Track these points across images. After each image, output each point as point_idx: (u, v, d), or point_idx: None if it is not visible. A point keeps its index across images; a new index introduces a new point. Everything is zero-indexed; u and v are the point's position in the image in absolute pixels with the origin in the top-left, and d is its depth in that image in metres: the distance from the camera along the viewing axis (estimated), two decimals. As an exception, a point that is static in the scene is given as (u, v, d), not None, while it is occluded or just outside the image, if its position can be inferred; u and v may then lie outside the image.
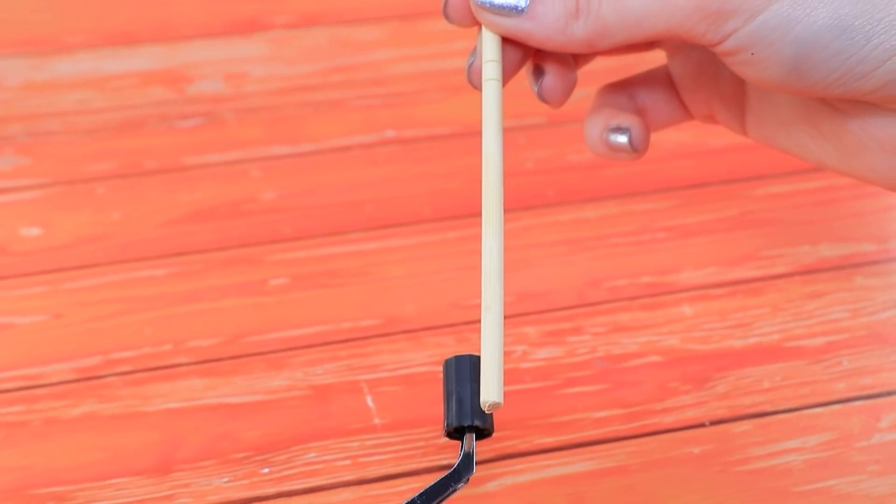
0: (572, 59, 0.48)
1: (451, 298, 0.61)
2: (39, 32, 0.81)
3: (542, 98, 0.48)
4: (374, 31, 0.82)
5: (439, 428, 0.53)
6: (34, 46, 0.80)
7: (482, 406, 0.45)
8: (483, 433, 0.46)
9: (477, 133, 0.52)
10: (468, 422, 0.46)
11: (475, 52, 0.47)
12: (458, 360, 0.47)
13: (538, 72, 0.48)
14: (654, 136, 0.51)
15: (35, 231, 0.66)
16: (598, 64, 0.50)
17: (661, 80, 0.51)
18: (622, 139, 0.49)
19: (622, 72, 0.52)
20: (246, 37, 0.81)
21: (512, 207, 0.66)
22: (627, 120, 0.49)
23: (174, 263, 0.64)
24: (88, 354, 0.58)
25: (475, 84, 0.47)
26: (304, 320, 0.60)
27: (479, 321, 0.48)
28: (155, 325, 0.60)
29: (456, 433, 0.47)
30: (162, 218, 0.67)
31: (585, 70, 0.50)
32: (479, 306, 0.49)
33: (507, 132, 0.65)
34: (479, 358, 0.46)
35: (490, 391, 0.45)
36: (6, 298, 0.62)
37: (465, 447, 0.46)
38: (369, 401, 0.56)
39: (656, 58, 0.52)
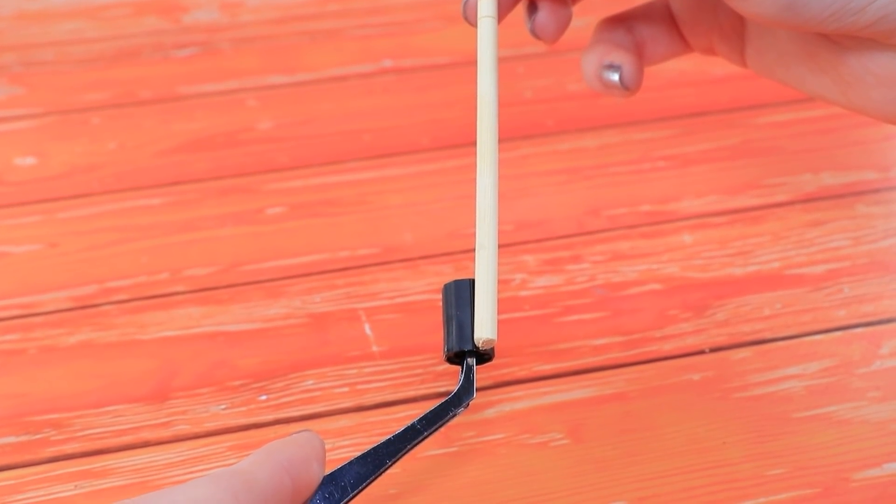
0: (569, -5, 0.48)
1: (449, 227, 0.61)
2: (32, -38, 0.80)
3: (534, 34, 0.48)
4: (371, -40, 0.81)
5: (437, 355, 0.53)
6: (27, -24, 0.79)
7: (476, 343, 0.45)
8: (483, 358, 0.46)
9: (475, 62, 0.51)
10: (468, 346, 0.45)
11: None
12: (458, 284, 0.47)
13: (532, 7, 0.47)
14: (654, 66, 0.51)
15: (30, 160, 0.66)
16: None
17: (660, 12, 0.51)
18: (614, 77, 0.48)
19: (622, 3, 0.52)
20: (241, -35, 0.80)
21: (511, 136, 0.66)
22: (620, 58, 0.48)
23: (170, 193, 0.64)
24: (84, 283, 0.58)
25: (471, 21, 0.47)
26: (302, 249, 0.60)
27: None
28: (151, 254, 0.60)
29: (456, 358, 0.46)
30: (157, 147, 0.67)
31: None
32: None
33: (506, 61, 0.64)
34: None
35: (484, 328, 0.45)
36: (1, 228, 0.61)
37: (465, 372, 0.46)
38: (367, 329, 0.56)
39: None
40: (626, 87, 0.48)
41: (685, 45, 0.51)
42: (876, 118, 0.45)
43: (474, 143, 0.50)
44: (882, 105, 0.44)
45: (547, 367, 0.54)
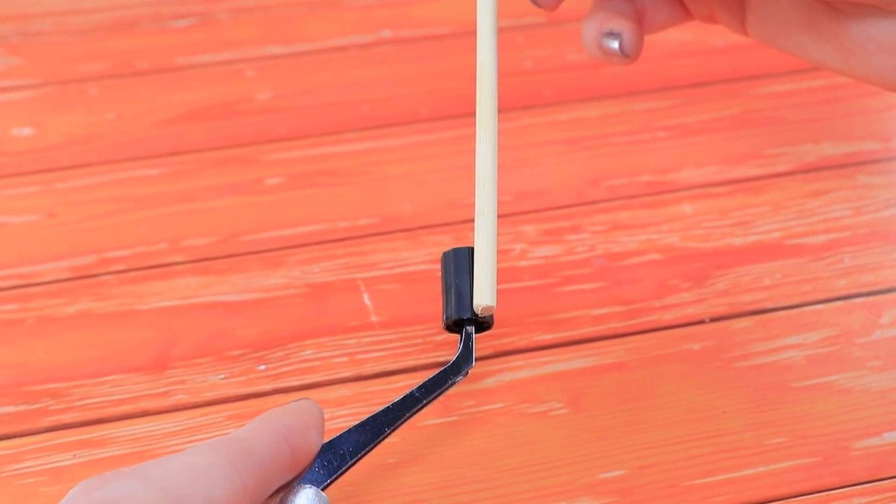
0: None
1: (448, 197, 0.61)
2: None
3: (534, 2, 0.48)
4: (369, -70, 0.80)
5: (436, 325, 0.53)
6: (24, -54, 0.79)
7: (475, 310, 0.45)
8: (482, 326, 0.46)
9: (475, 32, 0.51)
10: (467, 314, 0.45)
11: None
12: (457, 252, 0.47)
13: None
14: (654, 35, 0.50)
15: (27, 131, 0.65)
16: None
17: (661, -21, 0.50)
18: (614, 44, 0.48)
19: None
20: (239, -65, 0.80)
21: (511, 107, 0.66)
22: (620, 25, 0.48)
23: (168, 163, 0.63)
24: (83, 253, 0.58)
25: (470, -12, 0.47)
26: (301, 219, 0.60)
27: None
28: (149, 225, 0.59)
29: (455, 326, 0.46)
30: (155, 118, 0.66)
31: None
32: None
33: (506, 32, 0.64)
34: (477, 251, 0.46)
35: (483, 295, 0.45)
36: (-2, 198, 0.61)
37: (464, 340, 0.46)
38: (366, 299, 0.55)
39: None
40: (626, 55, 0.48)
41: (686, 13, 0.50)
42: (877, 85, 0.45)
43: (474, 114, 0.50)
44: (884, 72, 0.44)
45: (547, 337, 0.53)
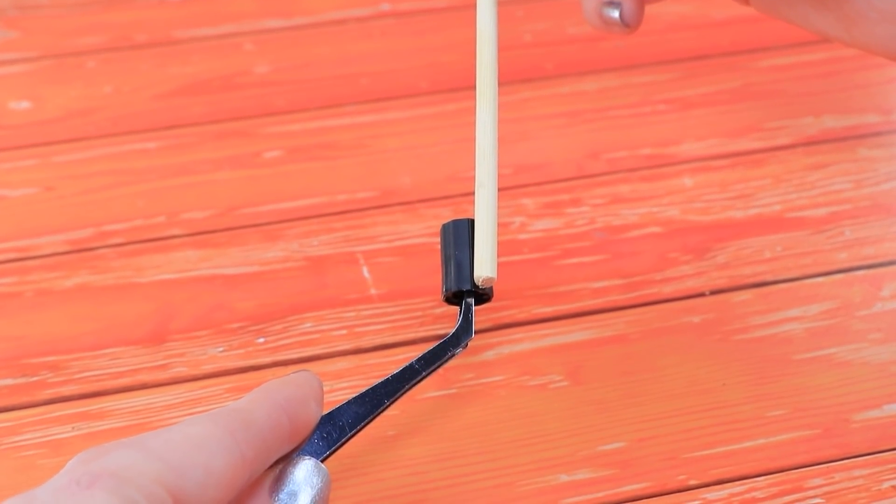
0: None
1: (447, 170, 0.61)
2: None
3: None
4: None
5: (436, 298, 0.53)
6: (20, -81, 0.78)
7: (476, 281, 0.45)
8: (482, 298, 0.46)
9: (474, 5, 0.51)
10: (467, 286, 0.45)
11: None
12: (457, 224, 0.47)
13: None
14: (655, 8, 0.50)
15: (25, 104, 0.65)
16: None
17: (662, -51, 0.50)
18: (614, 13, 0.48)
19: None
20: None
21: (510, 80, 0.65)
22: None
23: (166, 136, 0.63)
24: (81, 226, 0.58)
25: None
26: (300, 192, 0.59)
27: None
28: (147, 198, 0.59)
29: (454, 298, 0.46)
30: (153, 91, 0.66)
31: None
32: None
33: (506, 4, 0.64)
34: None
35: (484, 266, 0.45)
36: (-4, 171, 0.61)
37: (464, 312, 0.46)
38: (365, 271, 0.55)
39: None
40: (627, 24, 0.48)
41: (687, -17, 0.50)
42: (880, 55, 0.45)
43: (473, 87, 0.50)
44: (886, 41, 0.44)
45: (546, 310, 0.53)
